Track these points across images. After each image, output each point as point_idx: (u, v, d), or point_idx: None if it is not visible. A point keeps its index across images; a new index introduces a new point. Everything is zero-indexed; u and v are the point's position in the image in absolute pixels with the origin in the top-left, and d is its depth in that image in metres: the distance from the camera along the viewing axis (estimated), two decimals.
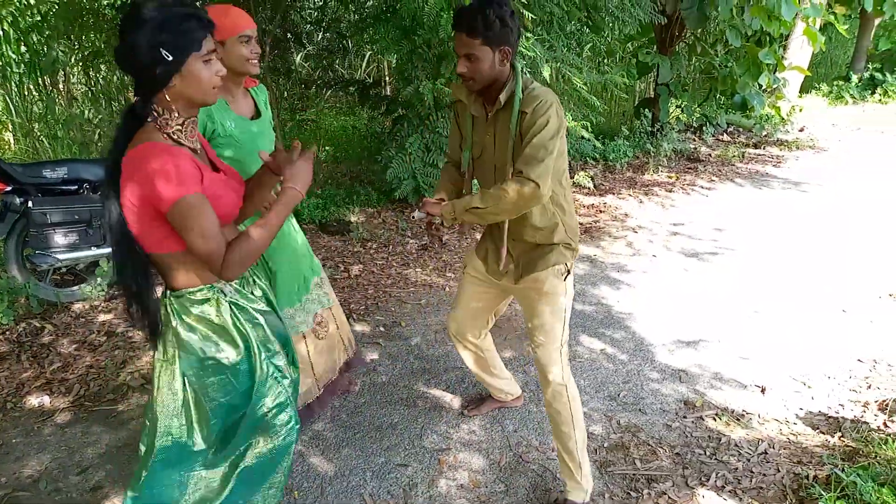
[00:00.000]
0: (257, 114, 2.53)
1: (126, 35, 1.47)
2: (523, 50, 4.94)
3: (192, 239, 1.52)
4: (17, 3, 6.84)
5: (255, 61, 2.34)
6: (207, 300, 1.67)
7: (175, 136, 1.56)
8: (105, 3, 6.70)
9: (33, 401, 3.11)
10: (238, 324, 1.71)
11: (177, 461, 1.73)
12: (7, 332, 3.68)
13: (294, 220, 2.78)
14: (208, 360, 1.68)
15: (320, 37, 7.27)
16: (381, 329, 3.87)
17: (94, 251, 4.01)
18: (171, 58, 1.47)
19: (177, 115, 1.56)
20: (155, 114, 1.55)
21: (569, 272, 2.28)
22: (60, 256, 3.89)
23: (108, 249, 4.07)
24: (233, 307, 1.71)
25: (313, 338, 2.81)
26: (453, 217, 2.14)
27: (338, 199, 6.02)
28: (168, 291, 1.68)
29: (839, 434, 2.84)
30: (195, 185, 1.51)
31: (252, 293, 1.83)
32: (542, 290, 2.26)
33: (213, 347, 1.68)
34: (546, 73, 5.01)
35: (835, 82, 13.54)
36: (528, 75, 2.15)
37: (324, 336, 2.86)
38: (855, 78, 13.44)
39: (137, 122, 1.57)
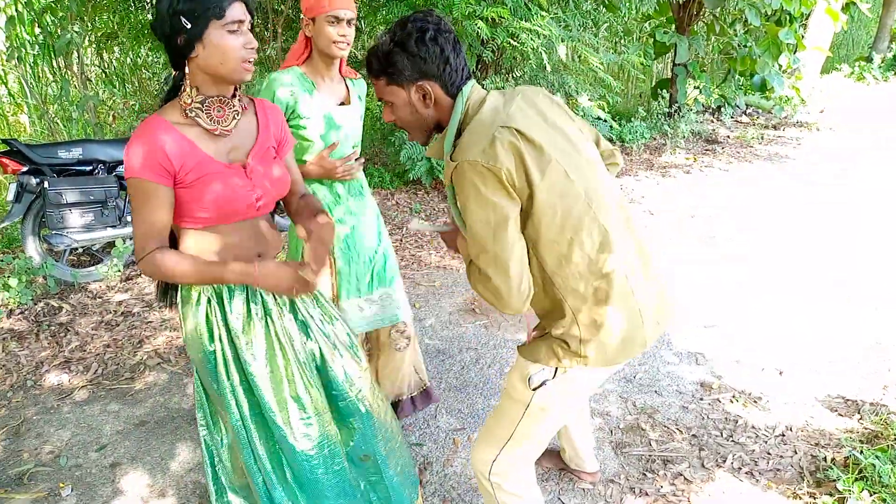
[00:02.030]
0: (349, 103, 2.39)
1: (156, 4, 1.46)
2: (538, 29, 4.89)
3: (133, 218, 1.53)
4: None
5: (343, 44, 2.17)
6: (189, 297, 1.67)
7: (192, 114, 1.52)
8: None
9: (52, 379, 3.14)
10: (211, 319, 1.66)
11: None
12: (26, 312, 3.71)
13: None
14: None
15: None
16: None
17: (110, 231, 4.03)
18: (189, 25, 1.43)
19: (195, 91, 1.52)
20: (184, 86, 1.53)
21: (544, 384, 1.63)
22: (76, 237, 3.91)
23: (124, 230, 4.08)
24: (217, 302, 1.66)
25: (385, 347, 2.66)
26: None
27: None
28: None
29: (858, 417, 2.80)
30: (154, 174, 1.47)
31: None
32: (508, 378, 1.76)
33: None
34: (562, 53, 4.95)
35: (856, 62, 13.30)
36: (475, 100, 1.56)
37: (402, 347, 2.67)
38: (877, 58, 13.19)
39: (174, 94, 1.57)
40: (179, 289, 1.71)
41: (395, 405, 2.75)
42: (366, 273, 2.47)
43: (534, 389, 1.64)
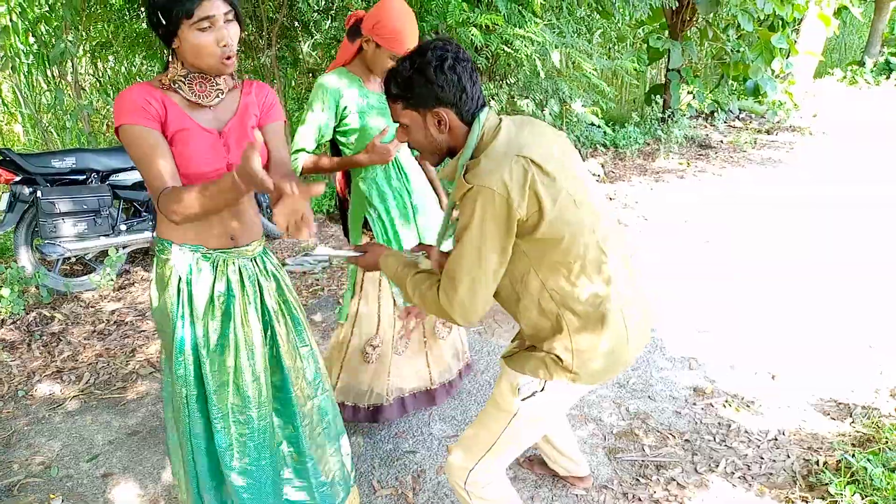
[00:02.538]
0: None
1: None
2: (532, 36, 4.90)
3: (139, 169, 1.55)
4: None
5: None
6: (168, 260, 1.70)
7: (174, 84, 1.59)
8: None
9: (44, 389, 3.13)
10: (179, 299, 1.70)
11: None
12: (17, 322, 3.70)
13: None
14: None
15: (328, 25, 7.23)
16: None
17: (103, 240, 4.03)
18: (164, 22, 1.50)
19: (180, 66, 1.59)
20: (169, 64, 1.61)
21: (533, 395, 1.69)
22: (69, 246, 3.90)
23: (117, 239, 4.08)
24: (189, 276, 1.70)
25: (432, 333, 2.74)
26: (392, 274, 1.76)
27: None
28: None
29: (850, 420, 2.81)
30: (141, 118, 1.52)
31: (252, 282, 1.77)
32: (496, 387, 1.80)
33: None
34: (555, 59, 4.97)
35: (849, 67, 13.36)
36: (490, 127, 1.59)
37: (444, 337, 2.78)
38: (870, 63, 13.25)
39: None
40: (154, 265, 1.75)
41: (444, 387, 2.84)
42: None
43: (523, 400, 1.69)
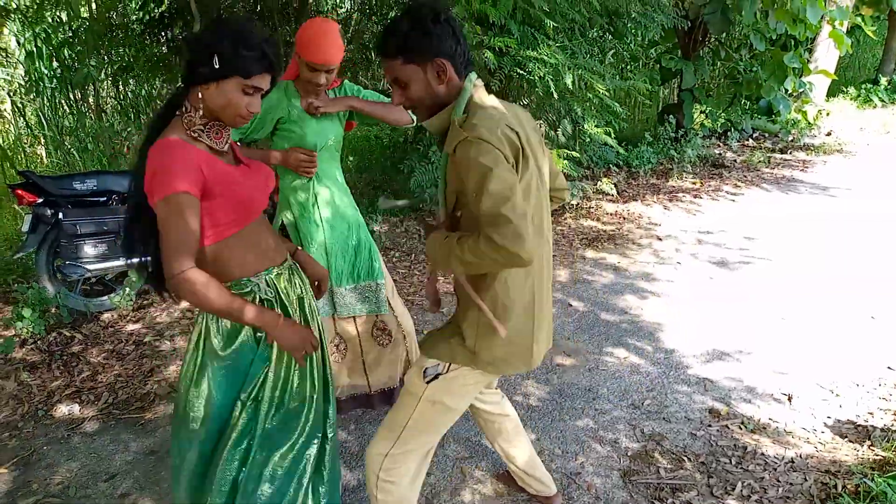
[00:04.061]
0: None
1: (206, 28, 1.58)
2: (544, 57, 4.95)
3: (162, 239, 1.56)
4: (50, 20, 7.02)
5: (318, 88, 2.50)
6: (245, 294, 1.73)
7: (195, 134, 1.62)
8: (134, 18, 6.84)
9: (63, 409, 3.17)
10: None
11: None
12: (38, 342, 3.76)
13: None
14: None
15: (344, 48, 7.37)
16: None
17: (123, 261, 4.09)
18: (217, 66, 1.54)
19: (201, 113, 1.62)
20: (185, 107, 1.63)
21: (437, 377, 1.77)
22: (90, 267, 3.96)
23: (136, 259, 4.13)
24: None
25: (372, 341, 2.92)
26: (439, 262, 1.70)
27: (360, 208, 6.05)
28: None
29: (868, 443, 2.78)
30: (193, 186, 1.54)
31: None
32: (407, 374, 1.89)
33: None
34: (568, 81, 5.00)
35: (863, 85, 13.31)
36: (481, 93, 1.68)
37: (386, 343, 2.95)
38: (884, 81, 13.20)
39: (173, 110, 1.66)
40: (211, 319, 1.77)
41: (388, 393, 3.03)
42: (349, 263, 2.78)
43: (427, 382, 1.78)
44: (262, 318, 1.64)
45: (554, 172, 1.96)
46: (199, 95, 1.60)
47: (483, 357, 1.73)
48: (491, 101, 1.67)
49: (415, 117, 2.76)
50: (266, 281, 1.75)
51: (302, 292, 1.88)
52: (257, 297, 1.73)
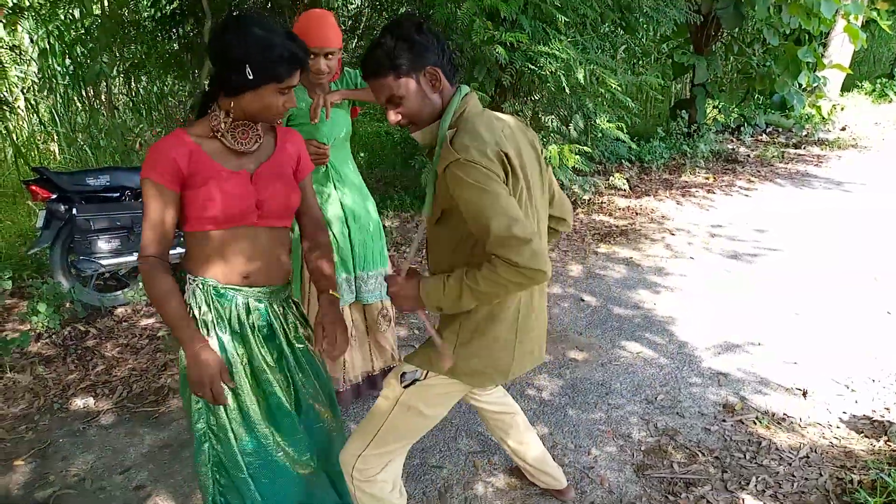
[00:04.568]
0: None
1: (225, 35, 1.55)
2: (556, 52, 4.93)
3: (143, 221, 1.63)
4: (63, 18, 7.06)
5: (320, 76, 2.53)
6: (221, 296, 1.73)
7: (220, 134, 1.64)
8: (146, 15, 6.88)
9: (78, 402, 3.19)
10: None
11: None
12: (53, 336, 3.79)
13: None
14: None
15: (354, 45, 7.34)
16: (416, 332, 3.89)
17: (136, 256, 4.11)
18: (251, 77, 1.55)
19: (224, 115, 1.64)
20: (213, 108, 1.65)
21: (413, 382, 1.78)
22: (104, 262, 3.99)
23: None
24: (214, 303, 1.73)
25: (377, 325, 2.98)
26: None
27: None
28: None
29: (885, 438, 2.76)
30: (162, 177, 1.58)
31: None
32: (386, 379, 1.90)
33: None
34: (580, 76, 4.98)
35: (878, 80, 13.17)
36: (472, 105, 1.64)
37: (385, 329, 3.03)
38: None
39: (206, 108, 1.69)
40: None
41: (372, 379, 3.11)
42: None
43: (404, 387, 1.79)
44: (183, 334, 1.63)
45: (557, 197, 1.92)
46: (231, 104, 1.61)
47: (461, 368, 1.73)
48: (486, 116, 1.63)
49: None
50: (248, 299, 1.74)
51: (279, 324, 1.82)
52: (232, 309, 1.72)
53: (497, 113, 1.71)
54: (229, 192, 1.64)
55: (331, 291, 1.84)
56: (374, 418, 1.85)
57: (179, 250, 4.31)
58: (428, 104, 1.62)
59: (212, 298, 1.70)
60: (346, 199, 2.75)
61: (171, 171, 1.59)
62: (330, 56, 2.47)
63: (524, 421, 2.32)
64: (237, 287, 1.73)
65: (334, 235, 2.72)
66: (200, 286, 1.70)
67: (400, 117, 1.64)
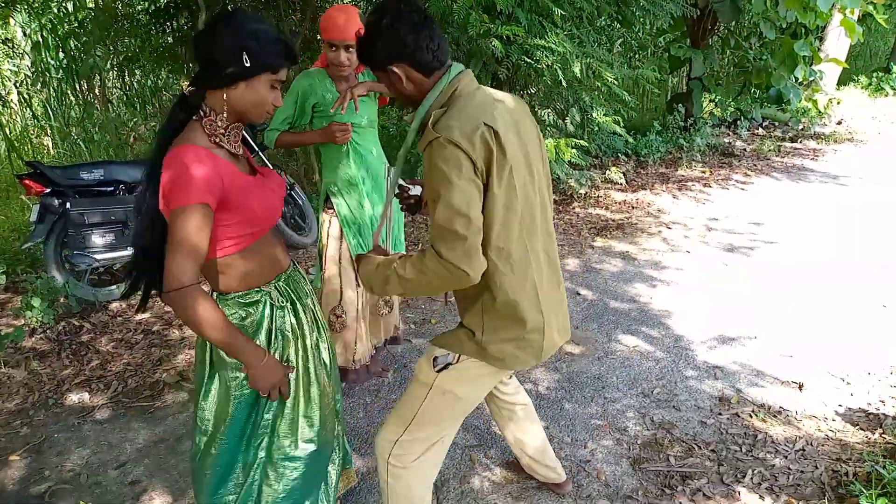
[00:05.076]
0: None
1: (218, 27, 1.52)
2: (552, 46, 4.91)
3: (170, 247, 1.48)
4: (56, 11, 7.02)
5: (342, 68, 2.64)
6: (255, 303, 1.70)
7: (217, 140, 1.58)
8: (139, 8, 6.83)
9: (73, 397, 3.18)
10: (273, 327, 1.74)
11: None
12: (48, 331, 3.77)
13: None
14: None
15: None
16: (413, 326, 3.88)
17: (131, 251, 4.09)
18: (248, 64, 1.52)
19: (224, 116, 1.58)
20: (203, 111, 1.58)
21: (447, 367, 1.77)
22: (98, 256, 3.97)
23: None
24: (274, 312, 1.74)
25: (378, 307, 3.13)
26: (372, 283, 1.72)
27: None
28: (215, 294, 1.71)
29: (880, 430, 2.76)
30: (213, 198, 1.50)
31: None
32: (418, 363, 1.88)
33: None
34: (576, 69, 4.96)
35: (874, 74, 13.17)
36: (465, 84, 1.65)
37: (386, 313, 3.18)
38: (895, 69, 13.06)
39: (186, 114, 1.60)
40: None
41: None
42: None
43: (437, 371, 1.77)
44: (246, 356, 1.60)
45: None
46: (224, 97, 1.56)
47: (492, 352, 1.71)
48: (479, 96, 1.63)
49: None
50: (277, 289, 1.74)
51: (299, 296, 1.84)
52: (267, 304, 1.71)
53: (495, 91, 1.70)
54: (263, 199, 1.64)
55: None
56: (410, 403, 1.84)
57: None
58: (409, 94, 1.67)
59: (243, 310, 1.69)
60: (366, 185, 2.84)
61: (217, 188, 1.50)
62: (350, 49, 2.57)
63: (532, 413, 2.32)
64: (260, 289, 1.72)
65: (366, 218, 2.84)
66: (230, 303, 1.68)
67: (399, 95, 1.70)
